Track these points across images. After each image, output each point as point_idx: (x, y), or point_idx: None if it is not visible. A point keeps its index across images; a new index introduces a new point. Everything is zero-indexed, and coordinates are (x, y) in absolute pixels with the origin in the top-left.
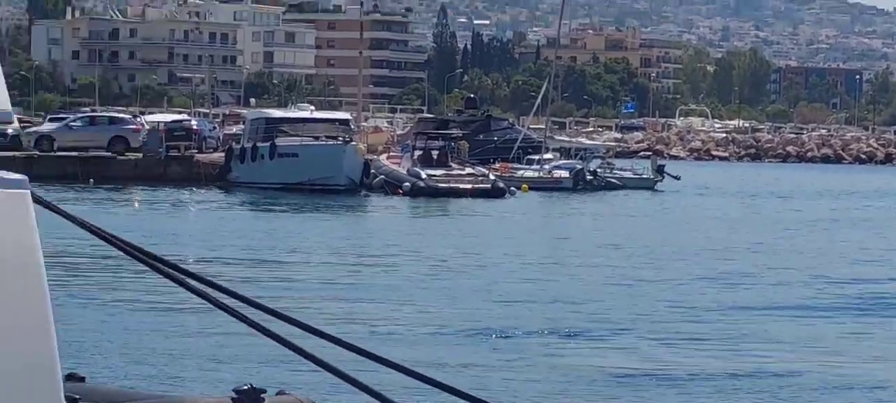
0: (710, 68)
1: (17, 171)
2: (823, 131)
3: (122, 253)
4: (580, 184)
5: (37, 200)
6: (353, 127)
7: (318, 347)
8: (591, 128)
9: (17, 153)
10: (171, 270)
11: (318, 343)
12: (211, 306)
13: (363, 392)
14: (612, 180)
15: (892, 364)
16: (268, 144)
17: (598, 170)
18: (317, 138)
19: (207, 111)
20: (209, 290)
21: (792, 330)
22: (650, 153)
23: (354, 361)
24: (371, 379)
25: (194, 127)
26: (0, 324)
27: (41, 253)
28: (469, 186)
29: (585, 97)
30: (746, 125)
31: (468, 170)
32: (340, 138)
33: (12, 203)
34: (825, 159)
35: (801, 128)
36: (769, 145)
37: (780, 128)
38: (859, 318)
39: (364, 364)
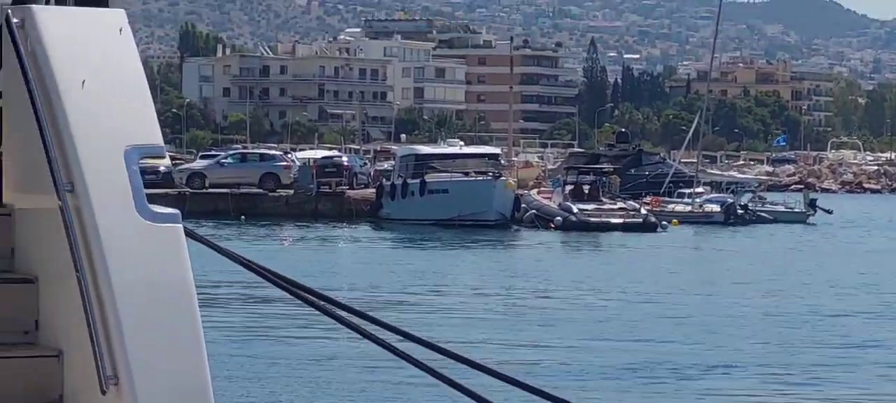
0: (861, 100)
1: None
2: None
3: (271, 287)
4: (731, 218)
5: (189, 234)
6: (502, 162)
7: (473, 381)
8: (741, 162)
9: (168, 190)
10: (320, 301)
11: (477, 378)
12: (360, 337)
13: None
14: (764, 214)
15: None
16: (418, 181)
17: (749, 204)
18: (466, 174)
19: (358, 147)
20: (358, 321)
21: None
22: (802, 186)
23: (512, 393)
24: None
25: (345, 163)
26: (156, 354)
27: (193, 285)
28: (620, 220)
29: (736, 130)
30: None
31: (619, 204)
32: (490, 173)
33: (166, 237)
34: None
35: None
36: None
37: None
38: None
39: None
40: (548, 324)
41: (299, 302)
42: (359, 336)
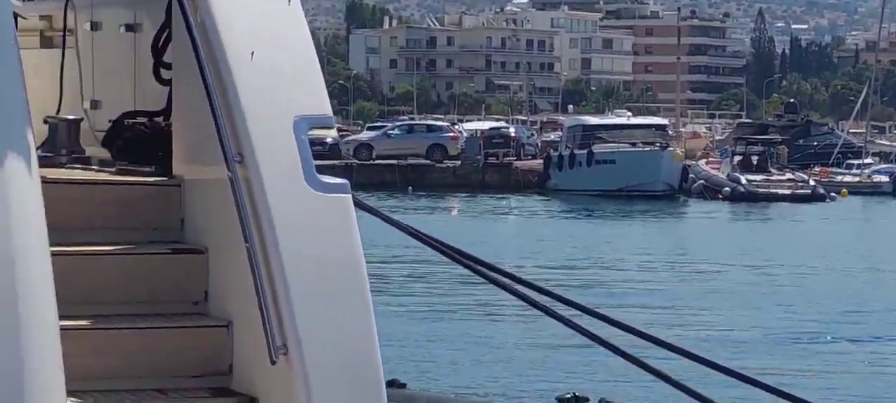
0: None
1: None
2: None
3: (442, 259)
4: None
5: (358, 204)
6: (670, 132)
7: (647, 355)
8: None
9: (336, 161)
10: (494, 273)
11: (649, 351)
12: (535, 311)
13: (690, 395)
14: None
15: None
16: (585, 151)
17: None
18: (634, 144)
19: (525, 118)
20: (534, 294)
21: None
22: None
23: (686, 369)
24: (702, 387)
25: (512, 134)
26: (325, 324)
27: (363, 256)
28: (789, 191)
29: None
30: None
31: (788, 175)
32: (658, 144)
33: (335, 206)
34: None
35: None
36: None
37: None
38: None
39: (697, 370)
40: (718, 295)
41: (473, 273)
42: (534, 309)
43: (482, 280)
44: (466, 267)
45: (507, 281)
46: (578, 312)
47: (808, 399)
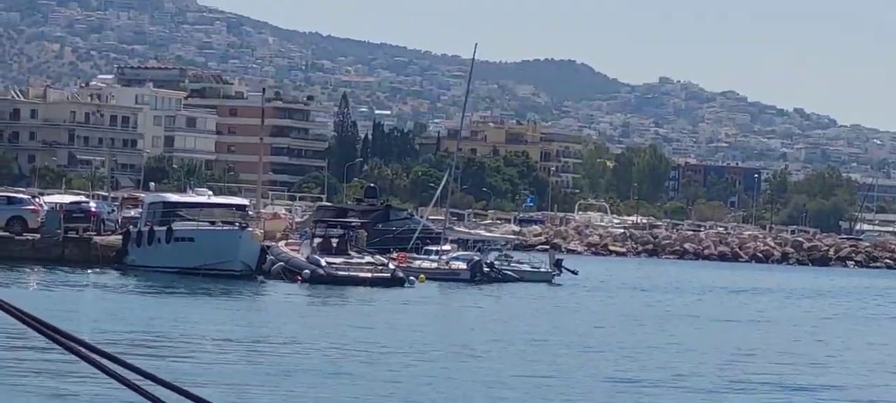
0: (609, 163)
1: None
2: (721, 229)
3: (19, 327)
4: (477, 275)
5: None
6: (250, 212)
7: None
8: (489, 221)
9: None
10: (69, 341)
11: None
12: (107, 377)
13: None
14: (510, 273)
15: None
16: (165, 228)
17: (495, 262)
18: (213, 223)
19: (106, 194)
20: (105, 362)
21: None
22: (548, 247)
23: None
24: None
25: (93, 209)
26: None
27: None
28: (369, 275)
29: (485, 189)
30: (644, 221)
31: (368, 258)
32: (237, 224)
33: None
34: (722, 257)
35: (699, 226)
36: (667, 241)
37: (678, 225)
38: None
39: None
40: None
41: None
42: (106, 376)
43: (66, 353)
44: (45, 335)
45: (81, 349)
46: (146, 379)
47: None
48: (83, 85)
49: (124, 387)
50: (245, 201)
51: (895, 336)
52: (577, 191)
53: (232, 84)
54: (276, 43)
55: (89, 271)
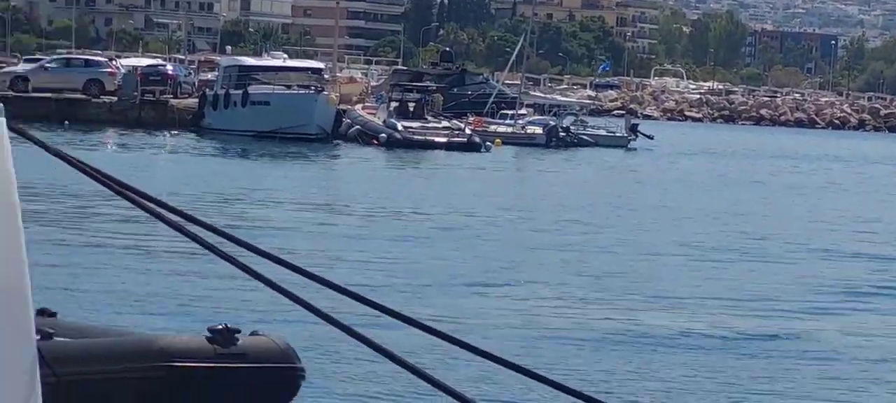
0: (685, 29)
1: None
2: (797, 95)
3: (96, 187)
4: (553, 140)
5: (11, 128)
6: (326, 76)
7: (294, 286)
8: (565, 86)
9: None
10: (147, 201)
11: (295, 282)
12: (188, 241)
13: (343, 331)
14: (585, 137)
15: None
16: (240, 92)
17: (571, 127)
18: (289, 86)
19: (183, 57)
20: (185, 223)
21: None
22: (624, 112)
23: (330, 299)
24: (347, 319)
25: (170, 72)
26: None
27: (14, 182)
28: (444, 139)
29: (560, 54)
30: (720, 87)
31: (444, 123)
32: (313, 87)
33: None
34: (798, 123)
35: (775, 92)
36: (743, 107)
37: (754, 91)
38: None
39: (340, 301)
40: (362, 239)
41: (128, 201)
42: (186, 239)
43: (143, 213)
44: (127, 198)
45: (172, 216)
46: (227, 241)
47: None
48: None
49: (201, 248)
50: (321, 64)
51: None
52: (653, 56)
53: None
54: None
55: (166, 133)
